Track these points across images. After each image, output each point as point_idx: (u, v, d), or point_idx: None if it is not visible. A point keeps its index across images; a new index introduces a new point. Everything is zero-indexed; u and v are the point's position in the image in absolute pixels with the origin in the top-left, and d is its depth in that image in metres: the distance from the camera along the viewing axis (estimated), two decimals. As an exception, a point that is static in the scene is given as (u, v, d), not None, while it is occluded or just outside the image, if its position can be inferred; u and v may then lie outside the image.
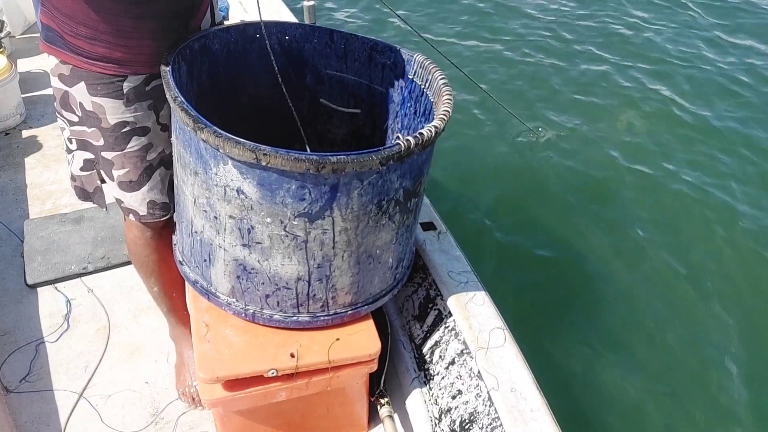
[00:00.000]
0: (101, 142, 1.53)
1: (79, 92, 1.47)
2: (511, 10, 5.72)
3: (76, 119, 1.53)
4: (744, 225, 3.45)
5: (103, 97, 1.47)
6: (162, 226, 1.72)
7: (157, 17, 1.43)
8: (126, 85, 1.47)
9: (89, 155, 1.60)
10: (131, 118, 1.51)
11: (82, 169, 1.63)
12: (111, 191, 1.64)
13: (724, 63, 5.08)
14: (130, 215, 1.65)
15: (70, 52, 1.42)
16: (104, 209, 1.73)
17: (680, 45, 5.29)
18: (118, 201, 1.64)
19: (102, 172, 1.61)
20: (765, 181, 3.78)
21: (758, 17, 5.80)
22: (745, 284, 3.10)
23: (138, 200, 1.62)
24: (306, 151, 1.55)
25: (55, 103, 1.56)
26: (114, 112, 1.49)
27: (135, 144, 1.55)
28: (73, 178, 1.67)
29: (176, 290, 1.85)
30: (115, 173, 1.58)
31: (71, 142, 1.59)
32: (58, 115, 1.57)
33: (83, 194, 1.70)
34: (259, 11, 1.53)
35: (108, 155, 1.55)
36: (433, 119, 1.45)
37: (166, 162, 1.62)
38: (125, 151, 1.55)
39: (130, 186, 1.60)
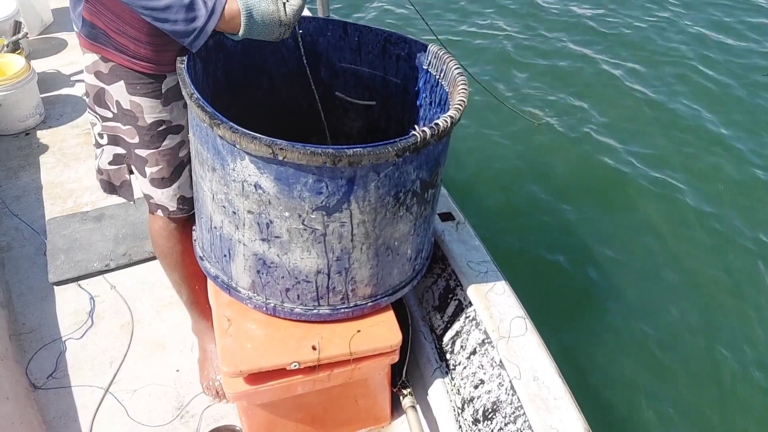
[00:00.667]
0: (136, 140, 1.55)
1: (117, 91, 1.49)
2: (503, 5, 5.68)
3: (110, 115, 1.55)
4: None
5: (142, 96, 1.49)
6: (186, 218, 1.74)
7: None
8: (164, 86, 1.49)
9: (120, 150, 1.62)
10: (167, 117, 1.54)
11: (110, 163, 1.66)
12: (141, 187, 1.66)
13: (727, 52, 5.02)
14: (159, 211, 1.67)
15: (114, 50, 1.43)
16: (132, 202, 1.75)
17: (676, 34, 5.24)
18: (148, 197, 1.66)
19: (134, 167, 1.63)
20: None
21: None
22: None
23: (169, 196, 1.64)
24: (326, 144, 1.55)
25: (87, 99, 1.58)
26: (151, 111, 1.51)
27: (169, 142, 1.57)
28: (100, 171, 1.69)
29: (198, 282, 1.87)
30: (148, 170, 1.60)
31: (102, 137, 1.62)
32: (90, 111, 1.59)
33: (109, 187, 1.72)
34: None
35: (142, 152, 1.57)
36: (448, 109, 1.44)
37: (191, 161, 1.63)
38: (160, 149, 1.57)
39: (162, 183, 1.62)
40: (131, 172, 1.68)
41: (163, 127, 1.54)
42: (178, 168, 1.62)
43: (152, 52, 1.43)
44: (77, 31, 1.46)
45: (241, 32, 1.36)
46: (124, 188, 1.71)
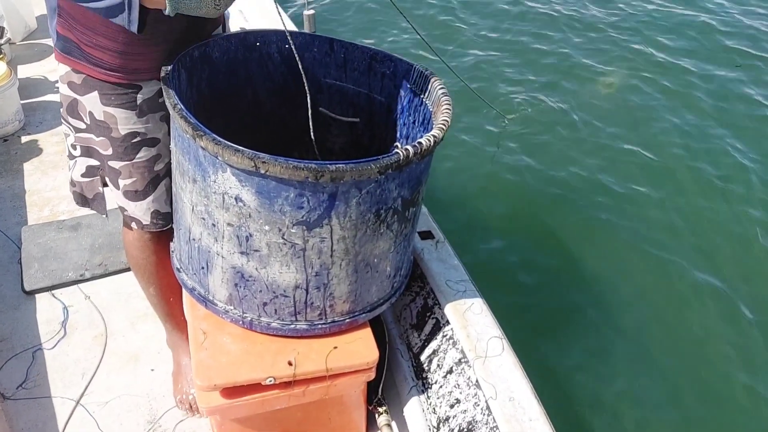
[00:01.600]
0: (110, 152, 1.54)
1: (91, 101, 1.47)
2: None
3: (83, 126, 1.54)
4: (757, 221, 3.46)
5: (116, 107, 1.47)
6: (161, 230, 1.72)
7: (173, 19, 1.43)
8: (140, 97, 1.48)
9: (93, 162, 1.60)
10: (142, 129, 1.52)
11: (83, 176, 1.64)
12: (115, 199, 1.64)
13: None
14: (133, 223, 1.65)
15: (87, 63, 1.42)
16: (104, 216, 1.73)
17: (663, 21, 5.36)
18: (122, 209, 1.64)
19: (107, 179, 1.61)
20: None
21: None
22: (752, 286, 3.10)
23: (142, 210, 1.62)
24: (309, 158, 1.55)
25: (61, 109, 1.56)
26: (126, 122, 1.50)
27: (144, 155, 1.55)
28: (73, 183, 1.67)
29: (173, 295, 1.85)
30: (122, 182, 1.58)
31: (75, 149, 1.60)
32: (64, 121, 1.57)
33: (82, 200, 1.70)
34: (283, 22, 1.54)
35: (115, 164, 1.55)
36: (431, 129, 1.45)
37: (172, 173, 1.62)
38: (134, 161, 1.55)
39: (135, 195, 1.60)
40: (105, 185, 1.66)
41: (138, 139, 1.53)
42: (153, 181, 1.60)
43: (128, 61, 1.42)
44: (53, 44, 1.45)
45: (168, 8, 1.28)
46: (96, 201, 1.69)
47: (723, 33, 5.30)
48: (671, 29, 5.36)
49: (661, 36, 5.26)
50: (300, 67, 1.48)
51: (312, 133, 1.57)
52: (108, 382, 2.06)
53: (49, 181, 2.88)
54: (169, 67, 1.44)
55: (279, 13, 1.55)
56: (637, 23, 5.45)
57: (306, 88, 1.50)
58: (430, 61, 4.92)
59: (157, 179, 1.60)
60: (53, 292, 2.35)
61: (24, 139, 3.15)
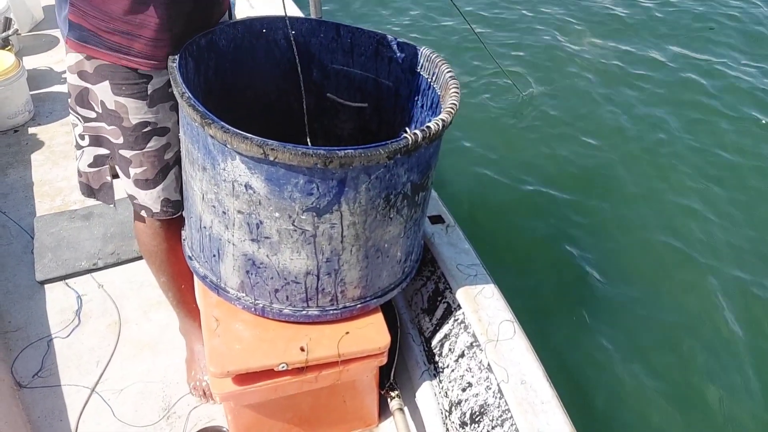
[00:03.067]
0: (120, 140, 1.54)
1: (102, 90, 1.48)
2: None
3: (93, 116, 1.54)
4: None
5: (127, 97, 1.48)
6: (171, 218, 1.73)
7: (184, 2, 1.44)
8: (150, 87, 1.48)
9: (102, 151, 1.61)
10: (153, 119, 1.52)
11: (90, 166, 1.64)
12: (125, 188, 1.64)
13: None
14: (143, 212, 1.66)
15: (106, 50, 1.42)
16: (112, 205, 1.73)
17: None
18: (131, 197, 1.65)
19: (117, 168, 1.62)
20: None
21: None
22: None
23: (153, 198, 1.63)
24: (317, 145, 1.55)
25: (69, 99, 1.56)
26: (137, 112, 1.50)
27: (154, 144, 1.55)
28: (80, 173, 1.68)
29: (185, 282, 1.86)
30: (132, 171, 1.59)
31: (83, 139, 1.60)
32: (72, 112, 1.57)
33: (88, 191, 1.70)
34: (284, 7, 1.53)
35: (126, 153, 1.56)
36: (440, 112, 1.44)
37: (181, 161, 1.62)
38: (144, 150, 1.55)
39: (146, 184, 1.61)
40: (115, 175, 1.66)
41: (149, 128, 1.53)
42: (163, 170, 1.61)
43: (146, 46, 1.42)
44: (65, 35, 1.44)
45: None
46: (103, 191, 1.69)
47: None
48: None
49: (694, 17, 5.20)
50: (295, 52, 1.48)
51: (306, 120, 1.57)
52: (122, 370, 2.08)
53: (60, 171, 2.89)
54: (177, 56, 1.44)
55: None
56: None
57: (299, 71, 1.49)
58: (439, 38, 4.90)
59: (166, 168, 1.61)
60: (66, 281, 2.36)
61: (34, 129, 3.16)
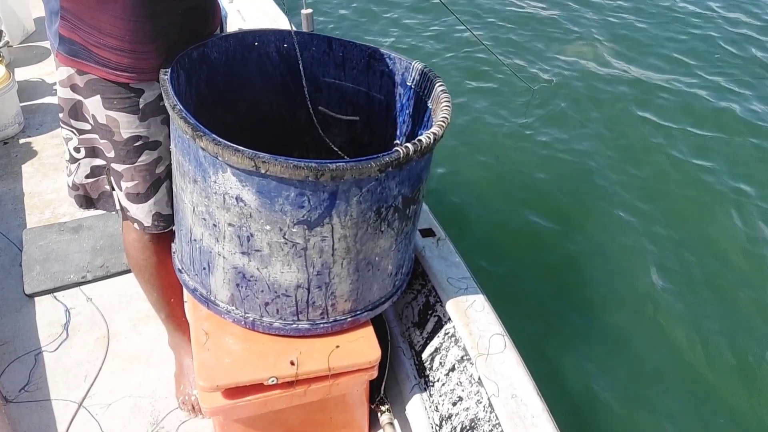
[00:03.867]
0: (112, 154, 1.54)
1: (94, 104, 1.47)
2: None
3: (88, 128, 1.53)
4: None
5: (118, 111, 1.47)
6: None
7: (172, 14, 1.44)
8: (142, 101, 1.47)
9: (99, 162, 1.60)
10: (144, 133, 1.52)
11: (87, 177, 1.63)
12: (119, 199, 1.64)
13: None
14: (135, 224, 1.66)
15: (96, 65, 1.41)
16: (115, 212, 1.73)
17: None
18: (124, 209, 1.64)
19: (111, 180, 1.61)
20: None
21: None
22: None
23: (144, 212, 1.62)
24: (310, 157, 1.55)
25: (60, 114, 1.55)
26: (128, 126, 1.49)
27: (146, 158, 1.55)
28: (75, 186, 1.67)
29: (174, 296, 1.85)
30: (124, 185, 1.58)
31: (78, 151, 1.59)
32: (65, 126, 1.56)
33: (87, 202, 1.69)
34: (291, 24, 1.54)
35: (118, 167, 1.55)
36: (431, 126, 1.45)
37: (172, 174, 1.62)
38: (135, 164, 1.55)
39: (137, 198, 1.60)
40: (112, 185, 1.66)
41: (140, 142, 1.52)
42: (154, 184, 1.60)
43: (135, 60, 1.42)
44: (55, 48, 1.44)
45: None
46: (102, 200, 1.69)
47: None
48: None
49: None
50: (300, 64, 1.48)
51: (316, 121, 1.56)
52: (111, 384, 2.06)
53: (50, 183, 2.88)
54: (168, 69, 1.44)
55: (285, 13, 1.55)
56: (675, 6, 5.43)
57: (303, 83, 1.49)
58: (437, 49, 4.92)
59: (158, 182, 1.60)
60: (55, 294, 2.34)
61: (24, 141, 3.15)
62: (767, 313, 2.93)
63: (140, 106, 1.48)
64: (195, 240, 1.51)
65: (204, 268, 1.54)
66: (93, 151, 1.59)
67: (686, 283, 3.10)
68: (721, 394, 2.63)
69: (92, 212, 2.59)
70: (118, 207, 1.71)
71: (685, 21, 5.27)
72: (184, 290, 1.74)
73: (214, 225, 1.41)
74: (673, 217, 3.47)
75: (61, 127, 1.58)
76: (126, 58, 1.41)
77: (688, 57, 4.81)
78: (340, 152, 1.62)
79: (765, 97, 4.37)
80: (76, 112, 1.52)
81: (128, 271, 2.40)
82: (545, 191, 3.67)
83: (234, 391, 1.54)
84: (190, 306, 1.70)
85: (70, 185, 1.68)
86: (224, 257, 1.46)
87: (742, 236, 3.36)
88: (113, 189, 1.66)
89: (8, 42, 3.58)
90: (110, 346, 2.18)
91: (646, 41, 5.01)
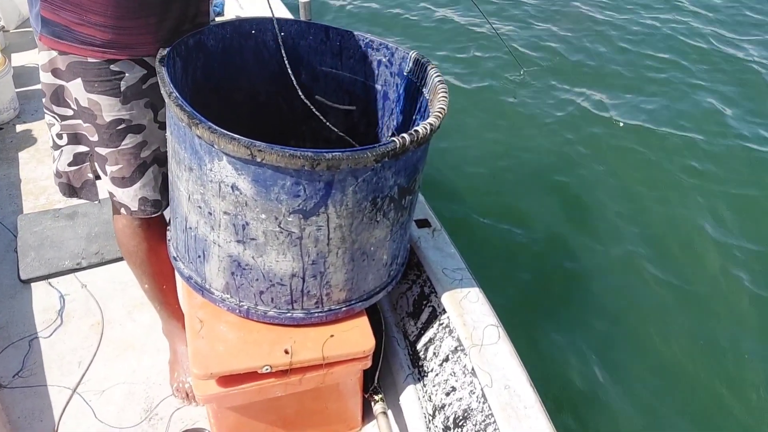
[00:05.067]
0: (95, 138, 1.53)
1: (75, 88, 1.46)
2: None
3: (70, 113, 1.53)
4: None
5: (99, 94, 1.46)
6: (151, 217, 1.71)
7: None
8: (123, 84, 1.46)
9: (81, 149, 1.60)
10: (127, 116, 1.51)
11: (70, 164, 1.63)
12: (105, 184, 1.63)
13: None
14: (122, 209, 1.65)
15: (79, 44, 1.40)
16: (98, 202, 1.72)
17: None
18: (111, 195, 1.64)
19: (96, 165, 1.61)
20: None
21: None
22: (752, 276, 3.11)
23: (130, 196, 1.62)
24: (308, 145, 1.55)
25: (43, 99, 1.55)
26: (110, 109, 1.49)
27: (129, 141, 1.54)
28: (59, 174, 1.66)
29: (166, 283, 1.85)
30: (109, 169, 1.57)
31: (60, 138, 1.59)
32: (47, 111, 1.56)
33: (69, 190, 1.69)
34: (271, 9, 1.52)
35: (102, 151, 1.55)
36: (428, 116, 1.45)
37: (160, 160, 1.61)
38: (119, 148, 1.54)
39: (122, 182, 1.59)
40: (97, 176, 1.65)
41: (123, 125, 1.52)
42: (140, 168, 1.59)
43: (119, 35, 1.40)
44: (37, 32, 1.43)
45: None
46: (85, 189, 1.68)
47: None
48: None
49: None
50: (283, 54, 1.47)
51: (314, 109, 1.55)
52: (105, 371, 2.06)
53: (45, 170, 2.87)
54: (165, 52, 1.43)
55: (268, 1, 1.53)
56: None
57: (289, 70, 1.48)
58: (434, 35, 4.90)
59: (144, 166, 1.59)
60: (50, 280, 2.34)
61: (19, 127, 3.14)
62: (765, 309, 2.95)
63: (122, 89, 1.47)
64: (190, 228, 1.51)
65: (199, 256, 1.54)
66: (75, 138, 1.58)
67: (684, 274, 3.11)
68: (713, 384, 2.64)
69: (80, 200, 2.59)
70: (100, 197, 1.70)
71: (688, 12, 5.26)
72: (179, 278, 1.74)
73: (210, 213, 1.41)
74: (675, 206, 3.47)
75: (44, 113, 1.58)
76: (109, 33, 1.39)
77: (688, 49, 4.80)
78: (346, 137, 1.60)
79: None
80: (57, 97, 1.51)
81: (123, 258, 2.39)
82: (542, 181, 3.68)
83: (228, 379, 1.54)
84: (185, 294, 1.70)
85: (54, 172, 1.67)
86: (219, 245, 1.46)
87: (747, 228, 3.37)
88: (97, 178, 1.65)
89: (4, 27, 3.56)
90: (104, 332, 2.18)
91: (647, 34, 5.00)
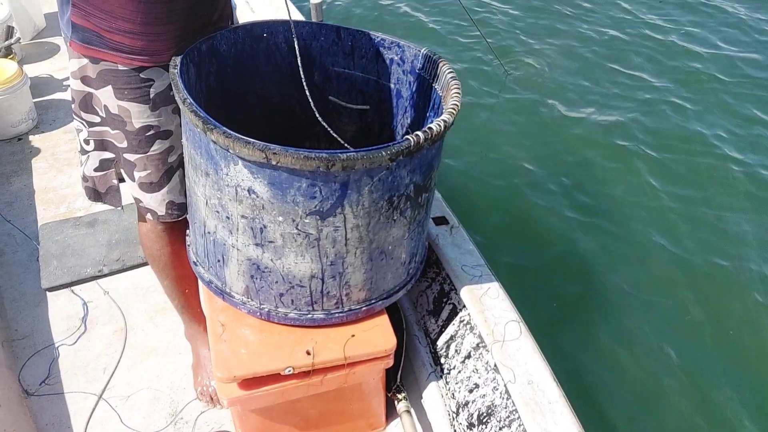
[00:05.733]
0: (124, 144, 1.55)
1: (105, 95, 1.48)
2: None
3: (98, 120, 1.55)
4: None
5: (130, 101, 1.48)
6: (175, 221, 1.73)
7: None
8: (152, 90, 1.49)
9: (107, 155, 1.62)
10: (155, 122, 1.53)
11: (96, 170, 1.65)
12: (130, 191, 1.65)
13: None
14: (148, 215, 1.67)
15: (109, 50, 1.42)
16: (120, 208, 1.75)
17: None
18: (137, 200, 1.66)
19: (123, 171, 1.63)
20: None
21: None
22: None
23: (158, 201, 1.64)
24: (322, 148, 1.54)
25: (72, 105, 1.56)
26: (140, 116, 1.51)
27: (158, 147, 1.56)
28: (86, 178, 1.69)
29: (189, 286, 1.86)
30: (137, 174, 1.59)
31: (88, 144, 1.61)
32: (76, 117, 1.58)
33: (94, 195, 1.71)
34: (288, 11, 1.53)
35: (131, 157, 1.57)
36: (441, 113, 1.44)
37: (185, 166, 1.63)
38: (148, 153, 1.56)
39: (150, 187, 1.61)
40: (121, 179, 1.67)
41: (152, 132, 1.54)
42: (167, 173, 1.62)
43: (148, 42, 1.42)
44: (68, 38, 1.44)
45: None
46: (110, 194, 1.70)
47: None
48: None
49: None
50: (297, 55, 1.47)
51: (317, 113, 1.55)
52: (129, 376, 2.08)
53: (64, 179, 2.90)
54: (178, 62, 1.44)
55: (286, 2, 1.54)
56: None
57: (301, 73, 1.48)
58: (436, 35, 4.89)
59: (171, 171, 1.62)
60: (72, 288, 2.37)
61: (37, 137, 3.17)
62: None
63: (151, 96, 1.49)
64: (209, 232, 1.51)
65: (218, 261, 1.55)
66: (102, 144, 1.60)
67: (707, 272, 3.06)
68: (745, 382, 2.60)
69: (107, 206, 2.61)
70: (123, 203, 1.72)
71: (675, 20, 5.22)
72: (200, 282, 1.75)
73: (227, 217, 1.42)
74: (695, 204, 3.43)
75: (74, 118, 1.60)
76: (139, 40, 1.41)
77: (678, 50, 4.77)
78: (340, 139, 1.60)
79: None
80: (86, 104, 1.53)
81: (144, 264, 2.41)
82: (559, 176, 3.65)
83: (251, 382, 1.55)
84: (206, 298, 1.71)
85: (81, 176, 1.70)
86: (238, 249, 1.47)
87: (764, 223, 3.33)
88: (121, 182, 1.67)
89: (19, 38, 3.59)
90: (128, 338, 2.20)
91: (631, 41, 4.97)
